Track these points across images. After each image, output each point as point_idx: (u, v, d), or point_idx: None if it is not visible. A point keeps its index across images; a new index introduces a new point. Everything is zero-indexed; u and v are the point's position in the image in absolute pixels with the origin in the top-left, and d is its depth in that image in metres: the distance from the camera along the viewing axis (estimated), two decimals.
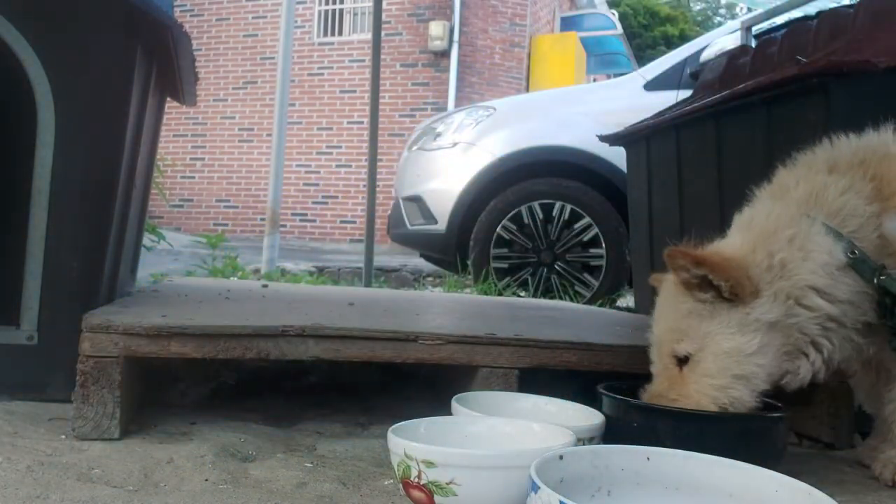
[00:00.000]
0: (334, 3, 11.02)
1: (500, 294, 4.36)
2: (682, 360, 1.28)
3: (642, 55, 17.37)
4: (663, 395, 1.29)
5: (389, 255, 7.77)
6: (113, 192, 1.70)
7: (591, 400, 1.37)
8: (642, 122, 2.99)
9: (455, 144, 4.80)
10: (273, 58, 10.04)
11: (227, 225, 10.93)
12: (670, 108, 3.05)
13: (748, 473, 0.97)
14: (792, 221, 1.28)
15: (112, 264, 1.79)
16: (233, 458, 1.34)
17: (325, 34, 11.01)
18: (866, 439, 1.53)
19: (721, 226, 1.42)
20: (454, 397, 1.33)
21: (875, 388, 1.46)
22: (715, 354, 1.24)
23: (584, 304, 4.20)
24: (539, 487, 0.83)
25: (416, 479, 1.01)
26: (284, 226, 10.14)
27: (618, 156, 3.71)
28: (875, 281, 1.25)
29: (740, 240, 1.32)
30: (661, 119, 2.79)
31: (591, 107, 4.69)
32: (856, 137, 1.41)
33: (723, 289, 1.23)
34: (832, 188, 1.30)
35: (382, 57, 5.71)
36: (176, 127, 11.14)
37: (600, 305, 4.12)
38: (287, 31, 5.85)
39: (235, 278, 4.46)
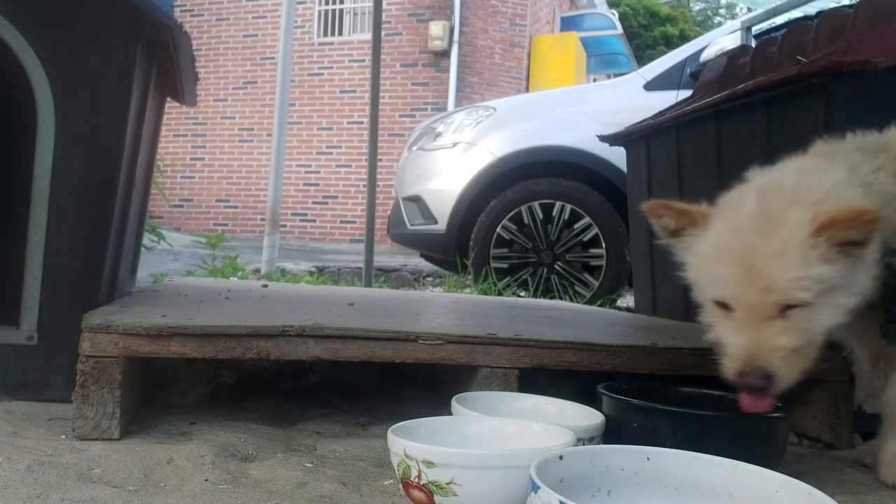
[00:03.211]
0: (334, 3, 11.02)
1: (500, 294, 4.36)
2: (787, 308, 1.18)
3: (642, 55, 17.39)
4: (767, 345, 1.18)
5: (389, 255, 7.77)
6: (113, 193, 1.70)
7: (591, 400, 1.37)
8: (642, 122, 2.99)
9: (455, 144, 4.80)
10: (273, 58, 10.06)
11: (227, 225, 10.93)
12: (670, 108, 3.05)
13: (748, 473, 0.96)
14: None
15: (112, 264, 1.79)
16: (233, 458, 1.34)
17: (325, 34, 11.01)
18: (869, 440, 1.53)
19: None
20: (454, 397, 1.33)
21: (882, 390, 1.45)
22: (833, 306, 1.20)
23: (584, 304, 4.20)
24: (539, 487, 0.83)
25: (416, 479, 1.01)
26: (284, 226, 10.15)
27: (618, 156, 3.71)
28: (886, 259, 1.26)
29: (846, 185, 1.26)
30: (661, 119, 2.79)
31: (591, 107, 4.69)
32: (878, 132, 1.44)
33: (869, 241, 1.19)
34: (867, 165, 1.33)
35: (382, 57, 5.72)
36: (176, 127, 11.15)
37: (600, 305, 4.12)
38: (287, 31, 5.86)
39: (235, 278, 4.47)
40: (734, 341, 1.21)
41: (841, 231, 1.16)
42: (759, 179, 1.34)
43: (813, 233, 1.17)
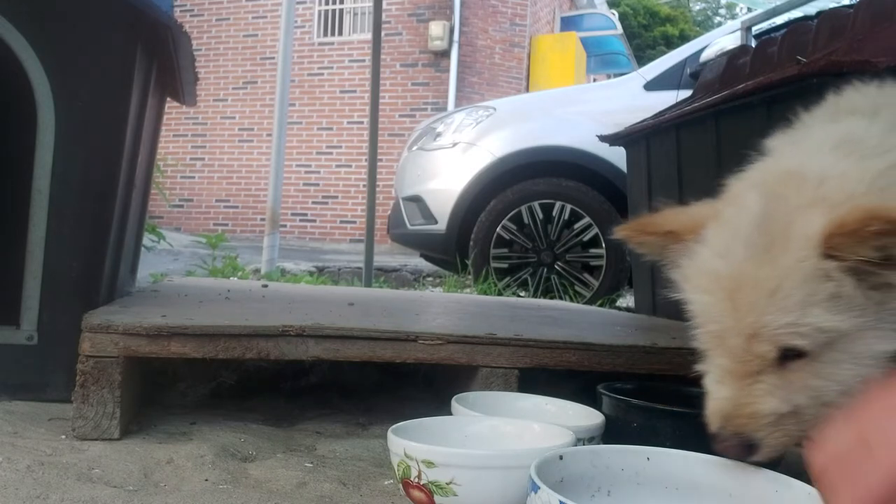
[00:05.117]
0: (334, 3, 11.02)
1: (500, 294, 4.36)
2: (786, 358, 0.90)
3: (642, 55, 17.40)
4: (750, 407, 0.91)
5: (389, 255, 7.77)
6: (113, 193, 1.70)
7: (591, 400, 1.37)
8: (642, 122, 2.99)
9: (455, 144, 4.81)
10: (273, 58, 10.05)
11: (227, 225, 10.93)
12: (670, 108, 3.05)
13: (748, 473, 0.96)
14: None
15: (112, 264, 1.79)
16: (233, 458, 1.34)
17: (325, 34, 11.01)
18: None
19: None
20: (454, 397, 1.33)
21: None
22: (852, 356, 0.89)
23: (584, 304, 4.20)
24: (539, 487, 0.83)
25: (416, 479, 1.01)
26: (284, 226, 10.14)
27: (618, 156, 3.71)
28: None
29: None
30: (661, 119, 2.79)
31: (591, 107, 4.69)
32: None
33: None
34: None
35: (382, 57, 5.71)
36: (176, 127, 11.14)
37: (600, 305, 4.12)
38: (287, 31, 5.86)
39: (235, 278, 4.47)
40: (715, 393, 0.96)
41: (853, 246, 0.84)
42: (778, 160, 1.03)
43: (823, 254, 0.86)
